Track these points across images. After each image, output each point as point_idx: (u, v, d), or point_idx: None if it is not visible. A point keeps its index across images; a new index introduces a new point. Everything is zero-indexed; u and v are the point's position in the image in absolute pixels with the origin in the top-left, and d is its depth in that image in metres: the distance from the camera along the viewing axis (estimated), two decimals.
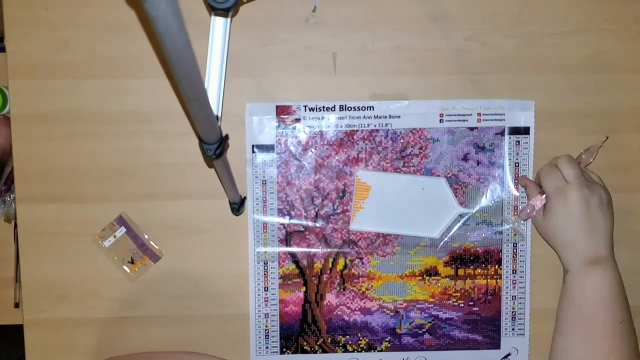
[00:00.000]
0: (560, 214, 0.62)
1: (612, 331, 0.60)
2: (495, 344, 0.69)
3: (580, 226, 0.61)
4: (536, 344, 0.69)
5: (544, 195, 0.64)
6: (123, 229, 0.66)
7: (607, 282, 0.61)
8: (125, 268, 0.67)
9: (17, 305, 0.77)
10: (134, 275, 0.67)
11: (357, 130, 0.67)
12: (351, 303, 0.69)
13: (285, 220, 0.67)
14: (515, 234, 0.68)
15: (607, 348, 0.60)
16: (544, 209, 0.64)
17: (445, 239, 0.68)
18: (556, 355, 0.64)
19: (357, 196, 0.67)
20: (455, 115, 0.67)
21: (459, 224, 0.68)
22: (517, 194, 0.68)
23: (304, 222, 0.67)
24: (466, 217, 0.68)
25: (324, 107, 0.67)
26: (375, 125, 0.67)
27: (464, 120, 0.67)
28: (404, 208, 0.67)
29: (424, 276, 0.69)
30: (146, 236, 0.67)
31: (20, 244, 0.67)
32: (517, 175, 0.68)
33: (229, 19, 0.53)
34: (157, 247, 0.67)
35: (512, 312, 0.69)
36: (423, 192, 0.66)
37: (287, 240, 0.68)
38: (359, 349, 0.69)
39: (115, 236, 0.66)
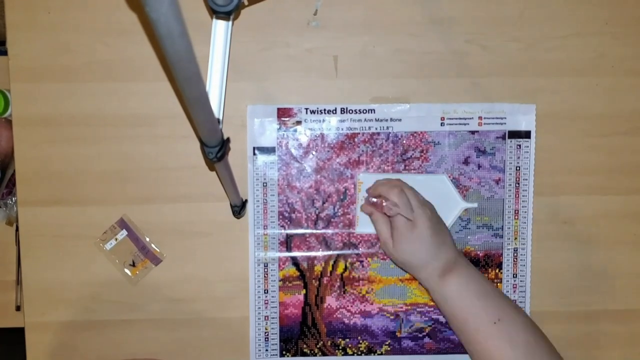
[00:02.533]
0: (410, 239, 0.60)
1: (489, 335, 0.58)
2: None
3: (431, 244, 0.60)
4: None
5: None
6: (124, 232, 0.67)
7: (464, 285, 0.60)
8: (127, 271, 0.67)
9: (18, 308, 0.77)
10: (135, 278, 0.67)
11: (358, 133, 0.67)
12: (351, 306, 0.69)
13: (285, 231, 0.67)
14: (516, 238, 0.68)
15: (489, 352, 0.58)
16: (392, 240, 0.62)
17: None
18: None
19: (360, 199, 0.67)
20: (456, 118, 0.67)
21: (458, 221, 0.68)
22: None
23: (304, 231, 0.67)
24: (466, 220, 0.68)
25: (325, 109, 0.67)
26: (376, 129, 0.67)
27: (465, 124, 0.68)
28: None
29: None
30: (147, 239, 0.67)
31: (21, 247, 0.67)
32: (518, 179, 0.68)
33: (230, 22, 0.54)
34: (158, 250, 0.67)
35: None
36: (426, 190, 0.65)
37: (287, 243, 0.68)
38: (359, 352, 0.69)
39: (116, 239, 0.66)
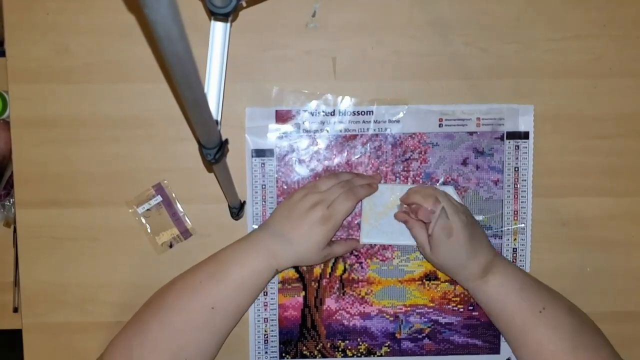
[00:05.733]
0: (448, 245, 0.60)
1: (535, 324, 0.59)
2: (495, 349, 0.69)
3: (468, 248, 0.60)
4: None
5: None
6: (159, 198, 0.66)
7: (504, 283, 0.61)
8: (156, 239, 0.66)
9: (16, 309, 0.77)
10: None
11: (357, 135, 0.67)
12: (350, 308, 0.68)
13: None
14: (515, 239, 0.69)
15: (538, 341, 0.59)
16: (430, 245, 0.62)
17: None
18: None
19: (364, 210, 0.67)
20: (454, 119, 0.67)
21: None
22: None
23: None
24: None
25: (323, 112, 0.67)
26: (374, 130, 0.67)
27: (463, 125, 0.68)
28: None
29: (424, 281, 0.69)
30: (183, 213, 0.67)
31: (19, 248, 0.67)
32: (516, 180, 0.68)
33: (228, 24, 0.54)
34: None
35: None
36: None
37: None
38: (359, 354, 0.69)
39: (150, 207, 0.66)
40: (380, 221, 0.67)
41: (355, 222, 0.67)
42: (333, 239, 0.65)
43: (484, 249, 0.62)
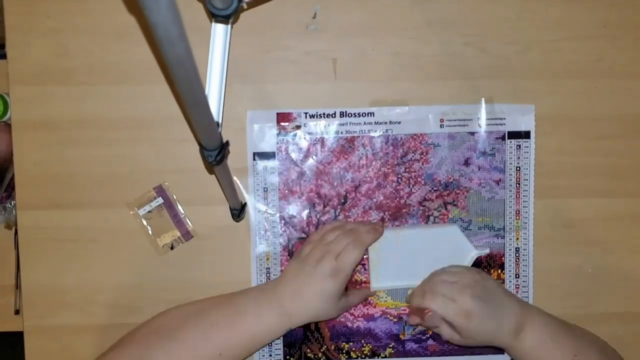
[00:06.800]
0: (470, 326, 0.60)
1: None
2: (499, 350, 0.69)
3: (492, 317, 0.59)
4: None
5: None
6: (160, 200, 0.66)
7: (538, 337, 0.60)
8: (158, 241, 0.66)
9: (17, 312, 0.77)
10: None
11: (358, 137, 0.67)
12: (354, 309, 0.68)
13: (286, 235, 0.67)
14: (517, 238, 0.68)
15: None
16: (456, 333, 0.61)
17: None
18: None
19: (371, 258, 0.66)
20: (455, 120, 0.67)
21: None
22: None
23: (306, 237, 0.67)
24: (468, 222, 0.68)
25: (324, 113, 0.67)
26: (375, 131, 0.67)
27: (464, 125, 0.67)
28: (420, 260, 0.66)
29: None
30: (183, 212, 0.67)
31: (20, 250, 0.67)
32: (518, 179, 0.68)
33: (229, 26, 0.54)
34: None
35: None
36: (438, 242, 0.66)
37: (289, 247, 0.67)
38: (363, 356, 0.69)
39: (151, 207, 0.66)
40: (388, 266, 0.66)
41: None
42: (347, 289, 0.65)
43: (508, 306, 0.61)
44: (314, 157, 0.67)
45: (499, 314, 0.60)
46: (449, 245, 0.67)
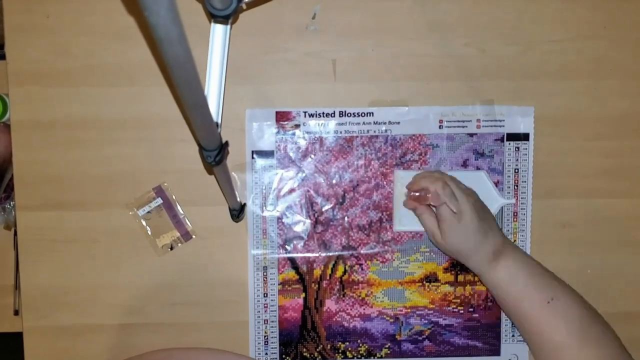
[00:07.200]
0: (458, 229, 0.61)
1: (543, 314, 0.59)
2: (495, 351, 0.69)
3: (479, 232, 0.60)
4: None
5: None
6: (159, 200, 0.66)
7: (514, 268, 0.61)
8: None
9: (16, 312, 0.77)
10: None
11: (357, 137, 0.67)
12: (351, 309, 0.68)
13: (284, 234, 0.67)
14: (515, 240, 0.68)
15: (544, 331, 0.59)
16: (440, 232, 0.63)
17: None
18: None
19: (397, 197, 0.67)
20: (454, 121, 0.67)
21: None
22: (514, 201, 0.68)
23: (304, 236, 0.67)
24: None
25: (323, 113, 0.67)
26: (374, 132, 0.67)
27: (463, 127, 0.68)
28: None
29: (424, 282, 0.69)
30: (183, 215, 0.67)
31: (19, 251, 0.67)
32: (517, 181, 0.68)
33: (228, 26, 0.54)
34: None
35: None
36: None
37: (286, 246, 0.68)
38: (359, 356, 0.69)
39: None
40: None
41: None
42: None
43: (494, 232, 0.62)
44: (313, 156, 0.67)
45: (483, 234, 0.61)
46: (475, 191, 0.65)
